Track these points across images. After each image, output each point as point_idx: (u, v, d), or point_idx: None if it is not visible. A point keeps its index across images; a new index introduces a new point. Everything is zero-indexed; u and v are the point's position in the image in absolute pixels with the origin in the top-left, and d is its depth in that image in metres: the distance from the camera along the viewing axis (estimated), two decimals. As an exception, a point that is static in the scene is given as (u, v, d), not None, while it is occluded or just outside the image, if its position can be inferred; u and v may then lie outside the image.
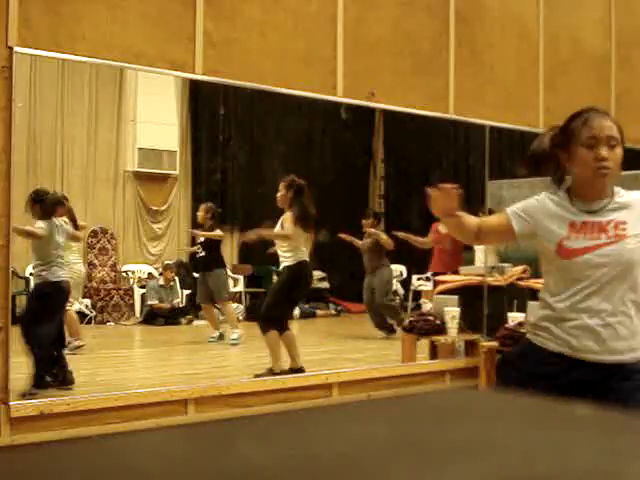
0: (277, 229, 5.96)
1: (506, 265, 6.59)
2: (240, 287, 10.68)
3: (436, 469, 0.44)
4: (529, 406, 0.62)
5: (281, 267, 5.91)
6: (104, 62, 4.56)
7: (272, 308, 5.88)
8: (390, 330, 8.31)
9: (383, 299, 8.46)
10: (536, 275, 6.24)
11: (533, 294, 6.25)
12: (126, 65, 4.70)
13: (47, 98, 9.30)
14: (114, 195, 9.97)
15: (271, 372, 5.63)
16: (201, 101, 10.51)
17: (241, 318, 10.29)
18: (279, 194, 6.01)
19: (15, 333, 4.93)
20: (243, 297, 10.66)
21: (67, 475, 0.44)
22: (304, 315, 10.34)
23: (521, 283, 6.42)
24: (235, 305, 10.46)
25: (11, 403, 4.10)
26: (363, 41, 5.51)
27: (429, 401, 0.65)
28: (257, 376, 5.52)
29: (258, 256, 10.94)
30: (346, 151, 11.20)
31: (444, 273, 7.27)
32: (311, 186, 6.20)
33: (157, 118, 10.01)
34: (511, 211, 2.54)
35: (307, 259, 5.92)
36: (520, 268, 6.22)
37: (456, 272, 7.16)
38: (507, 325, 5.82)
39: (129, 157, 10.03)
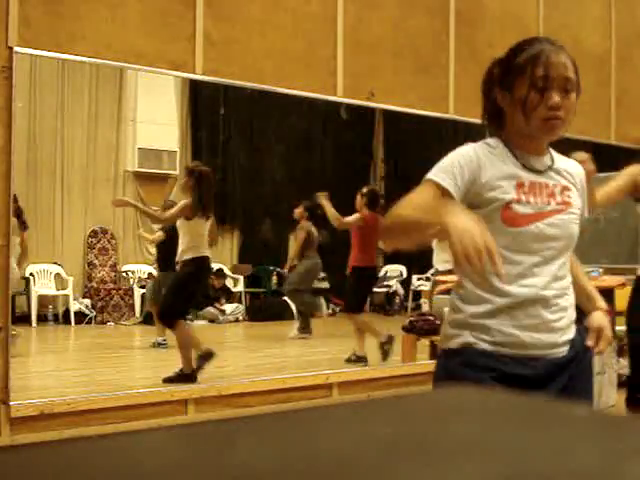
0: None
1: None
2: (240, 287, 10.68)
3: (436, 469, 0.44)
4: (529, 406, 0.62)
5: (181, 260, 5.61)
6: (104, 62, 4.56)
7: (170, 306, 5.60)
8: (302, 329, 8.31)
9: (288, 286, 8.54)
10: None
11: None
12: (126, 65, 4.70)
13: (47, 98, 9.31)
14: (114, 195, 9.97)
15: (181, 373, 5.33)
16: (201, 101, 10.51)
17: (241, 318, 10.32)
18: (182, 181, 5.89)
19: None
20: (243, 297, 10.67)
21: (67, 475, 0.44)
22: (304, 315, 10.32)
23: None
24: (235, 305, 10.48)
25: (11, 403, 4.10)
26: (363, 41, 5.51)
27: (429, 401, 0.65)
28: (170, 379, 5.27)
29: (258, 256, 10.98)
30: (346, 151, 11.20)
31: (370, 267, 6.71)
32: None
33: (157, 118, 10.02)
34: (441, 179, 2.02)
35: (208, 254, 5.64)
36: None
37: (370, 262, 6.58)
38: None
39: (129, 157, 10.04)
